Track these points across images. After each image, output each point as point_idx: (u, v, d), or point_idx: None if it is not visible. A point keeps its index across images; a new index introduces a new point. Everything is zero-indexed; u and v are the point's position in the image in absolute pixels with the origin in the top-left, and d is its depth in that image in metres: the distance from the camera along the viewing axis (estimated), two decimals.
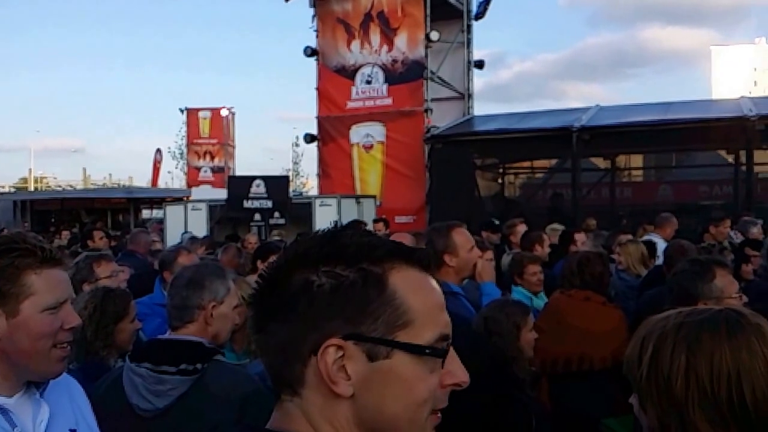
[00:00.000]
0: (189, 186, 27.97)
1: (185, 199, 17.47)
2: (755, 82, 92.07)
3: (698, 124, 11.72)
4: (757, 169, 12.63)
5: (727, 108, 13.28)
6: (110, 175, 52.03)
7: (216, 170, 29.27)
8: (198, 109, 30.42)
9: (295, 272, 0.90)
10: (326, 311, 0.88)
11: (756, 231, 7.09)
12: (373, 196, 13.81)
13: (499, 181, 16.58)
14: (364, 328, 0.87)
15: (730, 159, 13.66)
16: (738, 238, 7.07)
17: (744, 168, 11.99)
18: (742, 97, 14.93)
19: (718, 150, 14.01)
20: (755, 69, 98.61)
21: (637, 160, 16.64)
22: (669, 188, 15.44)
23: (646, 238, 6.76)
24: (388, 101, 14.50)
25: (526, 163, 16.63)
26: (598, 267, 4.03)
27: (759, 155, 12.24)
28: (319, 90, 15.23)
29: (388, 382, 0.88)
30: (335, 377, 0.87)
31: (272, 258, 5.45)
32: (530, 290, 4.80)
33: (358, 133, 14.72)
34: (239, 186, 12.34)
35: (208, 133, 30.08)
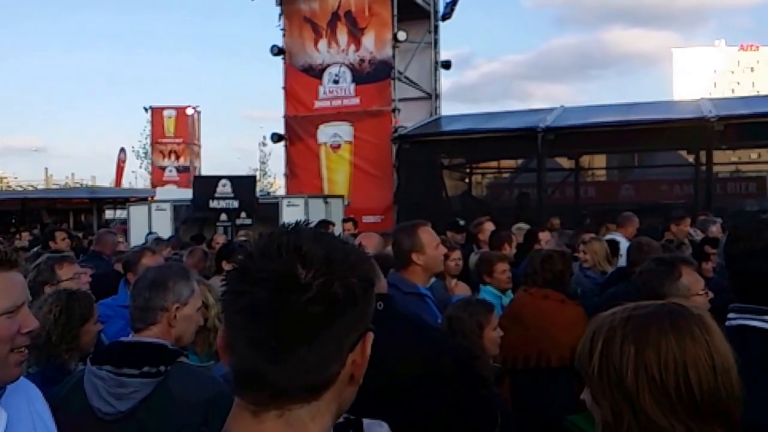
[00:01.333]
0: (154, 186, 27.59)
1: (150, 199, 17.21)
2: (715, 83, 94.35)
3: (659, 125, 11.96)
4: (716, 169, 12.95)
5: (687, 109, 13.58)
6: (73, 174, 51.07)
7: (181, 170, 28.94)
8: (163, 108, 30.04)
9: (337, 279, 0.95)
10: (361, 312, 0.98)
11: (715, 229, 7.25)
12: (341, 196, 13.80)
13: (467, 180, 16.71)
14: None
15: (691, 159, 13.96)
16: (698, 235, 7.23)
17: (704, 168, 12.26)
18: (702, 98, 15.29)
19: (679, 150, 14.31)
20: (715, 71, 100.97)
21: (600, 160, 16.93)
22: (631, 188, 15.73)
23: (609, 237, 6.87)
24: (356, 101, 14.50)
25: (493, 163, 16.80)
26: (559, 265, 4.10)
27: (718, 155, 12.55)
28: (286, 89, 15.16)
29: None
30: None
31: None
32: (500, 288, 4.84)
33: (326, 133, 14.69)
34: (205, 186, 12.22)
35: (174, 132, 29.71)
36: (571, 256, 6.43)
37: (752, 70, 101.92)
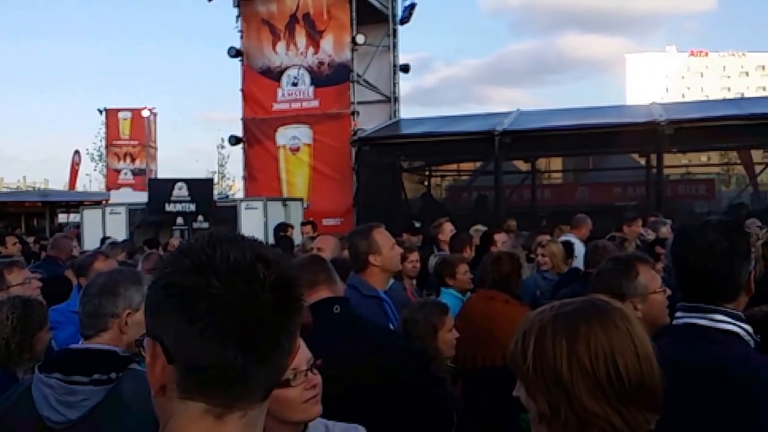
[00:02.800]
0: (108, 189, 27.06)
1: (104, 202, 16.87)
2: (667, 88, 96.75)
3: (613, 129, 12.21)
4: (666, 171, 13.29)
5: (639, 113, 13.90)
6: (24, 177, 49.77)
7: (137, 172, 28.46)
8: (118, 110, 29.53)
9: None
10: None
11: (665, 230, 7.44)
12: (300, 199, 13.75)
13: (426, 183, 16.80)
14: None
15: (643, 162, 14.29)
16: (651, 235, 7.41)
17: (655, 171, 12.57)
18: (653, 102, 15.66)
19: (631, 153, 14.64)
20: (666, 76, 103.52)
21: (556, 163, 17.20)
22: (586, 190, 16.00)
23: (563, 238, 7.00)
24: (315, 103, 14.47)
25: (452, 166, 16.93)
26: (506, 267, 4.17)
27: (669, 158, 12.88)
28: (244, 91, 15.05)
29: None
30: None
31: None
32: (462, 289, 4.87)
33: (285, 136, 14.61)
34: (161, 189, 12.07)
35: (129, 134, 29.21)
36: (527, 257, 6.57)
37: (702, 75, 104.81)
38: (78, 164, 30.72)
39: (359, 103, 14.46)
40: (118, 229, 12.54)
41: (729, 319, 1.87)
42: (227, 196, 24.16)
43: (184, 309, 0.91)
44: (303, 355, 1.88)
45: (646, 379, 1.21)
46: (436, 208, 13.67)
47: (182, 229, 11.44)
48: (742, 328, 1.87)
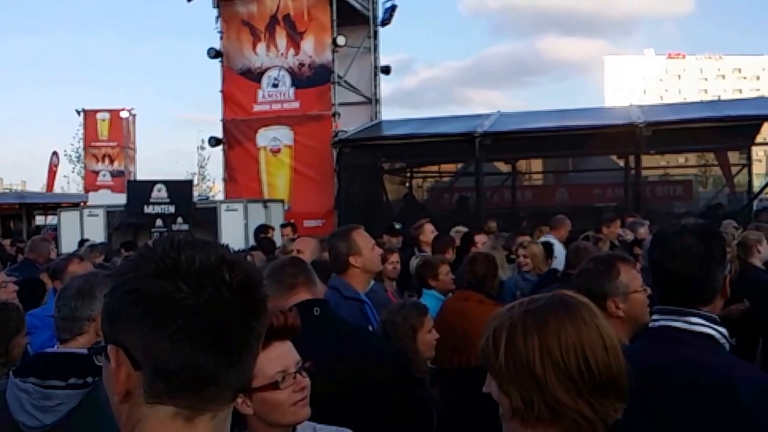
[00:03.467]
0: (87, 191, 26.77)
1: (82, 204, 16.68)
2: (645, 90, 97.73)
3: (591, 131, 12.32)
4: (645, 172, 13.43)
5: (617, 115, 14.04)
6: (1, 179, 49.08)
7: (116, 174, 28.15)
8: (96, 111, 29.18)
9: None
10: None
11: (643, 231, 7.52)
12: (281, 201, 13.69)
13: (407, 184, 16.82)
14: None
15: (621, 163, 14.43)
16: (629, 236, 7.49)
17: (633, 172, 12.69)
18: (632, 104, 15.82)
19: (610, 155, 14.77)
20: (644, 78, 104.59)
21: (537, 164, 17.30)
22: (566, 191, 16.10)
23: (543, 239, 7.05)
24: (296, 105, 14.41)
25: (434, 167, 16.97)
26: (481, 268, 4.20)
27: (647, 160, 13.00)
28: (224, 92, 14.95)
29: None
30: None
31: None
32: (445, 290, 4.88)
33: (265, 137, 14.54)
34: (139, 191, 11.97)
35: (107, 136, 28.89)
36: (507, 258, 6.60)
37: (679, 77, 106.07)
38: (56, 166, 30.37)
39: (340, 104, 14.43)
40: (96, 231, 12.39)
41: (705, 322, 1.89)
42: (207, 198, 24.02)
43: (152, 314, 0.90)
44: (292, 357, 1.89)
45: (613, 370, 1.26)
46: (418, 210, 13.70)
47: (161, 231, 11.34)
48: (717, 331, 1.89)
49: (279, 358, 1.86)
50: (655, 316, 1.99)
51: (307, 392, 1.88)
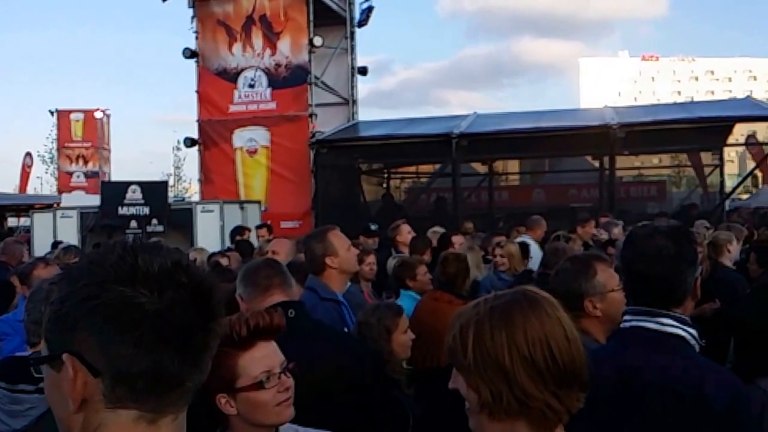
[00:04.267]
0: (60, 192, 26.38)
1: (55, 205, 16.42)
2: (619, 92, 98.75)
3: (567, 132, 12.46)
4: (619, 173, 13.60)
5: (592, 117, 14.20)
6: None
7: (90, 175, 27.83)
8: (70, 111, 28.85)
9: None
10: None
11: (617, 231, 7.61)
12: (258, 202, 13.61)
13: (384, 185, 16.83)
14: None
15: (596, 164, 14.58)
16: (604, 235, 7.57)
17: (607, 172, 12.83)
18: (606, 106, 16.01)
19: (585, 156, 14.92)
20: (619, 80, 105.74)
21: (513, 165, 17.42)
22: (542, 192, 16.24)
23: (519, 239, 7.09)
24: (272, 105, 14.34)
25: (411, 168, 17.01)
26: (451, 268, 4.23)
27: (621, 161, 13.17)
28: (200, 93, 14.82)
29: None
30: None
31: None
32: (423, 291, 4.88)
33: (242, 138, 14.45)
34: (113, 192, 11.83)
35: (81, 136, 28.56)
36: (483, 258, 6.63)
37: (653, 79, 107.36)
38: (29, 167, 29.91)
39: (317, 105, 14.39)
40: (69, 233, 12.20)
41: (676, 323, 1.91)
42: (183, 199, 23.82)
43: (114, 320, 0.90)
44: (277, 358, 1.90)
45: (576, 361, 1.31)
46: (395, 210, 13.72)
47: (136, 233, 11.22)
48: (688, 332, 1.91)
49: (264, 358, 1.87)
50: (626, 317, 2.00)
51: (291, 393, 1.89)
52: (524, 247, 6.44)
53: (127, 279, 0.90)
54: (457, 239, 6.83)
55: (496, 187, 16.43)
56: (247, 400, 1.85)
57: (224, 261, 6.54)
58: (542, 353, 1.28)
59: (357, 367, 2.66)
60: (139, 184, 11.97)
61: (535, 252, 6.49)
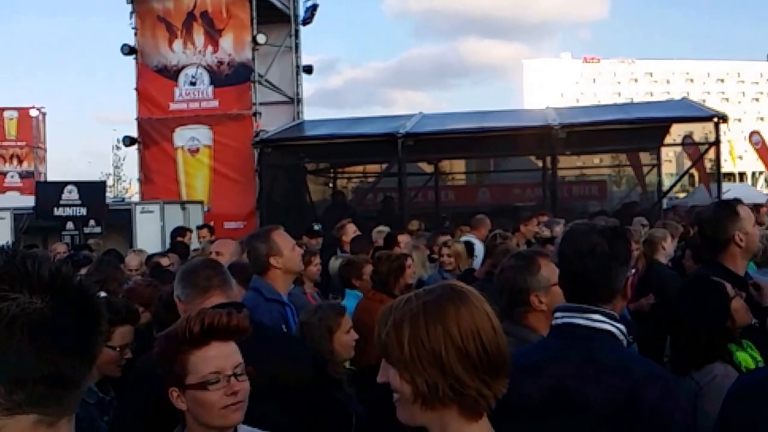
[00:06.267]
0: None
1: None
2: (562, 93, 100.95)
3: (510, 132, 12.64)
4: (562, 173, 13.88)
5: (534, 117, 14.45)
6: None
7: (24, 175, 26.94)
8: (3, 109, 27.90)
9: None
10: None
11: (559, 229, 7.71)
12: (200, 202, 13.38)
13: (331, 185, 16.75)
14: None
15: (540, 164, 14.83)
16: (546, 232, 7.69)
17: (550, 172, 13.07)
18: (548, 107, 16.33)
19: (529, 156, 15.16)
20: (561, 81, 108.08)
21: (460, 165, 17.58)
22: (487, 191, 16.43)
23: (464, 238, 7.15)
24: (215, 104, 14.10)
25: (359, 168, 16.97)
26: (383, 268, 4.25)
27: (564, 160, 13.44)
28: (139, 90, 14.44)
29: None
30: None
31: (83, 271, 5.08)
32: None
33: (183, 136, 14.15)
34: (49, 192, 11.47)
35: (15, 135, 27.64)
36: (429, 257, 6.66)
37: (594, 81, 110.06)
38: None
39: (261, 104, 14.22)
40: (2, 234, 11.74)
41: (605, 319, 1.93)
42: (123, 200, 23.22)
43: (10, 329, 0.90)
44: (230, 359, 1.90)
45: (501, 350, 1.39)
46: (342, 210, 13.66)
47: (72, 234, 10.89)
48: (617, 328, 1.94)
49: (215, 358, 1.87)
50: (558, 314, 2.03)
51: (241, 397, 1.88)
52: (469, 246, 6.49)
53: (20, 286, 0.91)
54: (404, 238, 6.83)
55: (442, 187, 16.52)
56: (194, 399, 1.86)
57: (165, 261, 6.39)
58: (474, 344, 1.34)
59: (296, 368, 2.62)
60: (76, 184, 11.62)
61: (480, 251, 6.54)
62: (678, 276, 5.25)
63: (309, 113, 16.14)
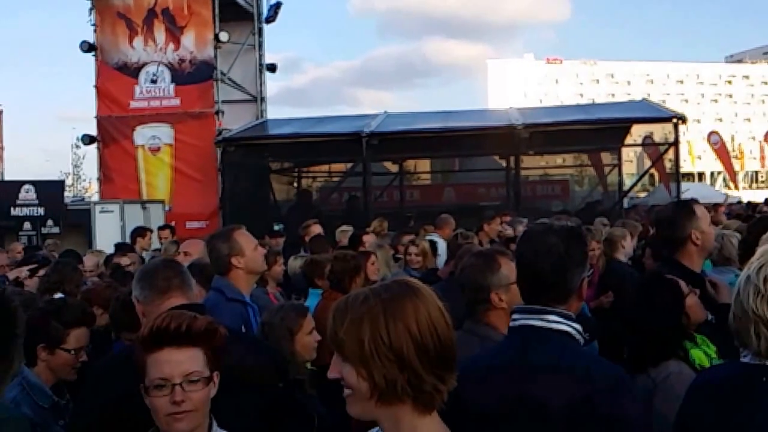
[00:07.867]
0: None
1: None
2: (525, 94, 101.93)
3: (474, 132, 12.73)
4: (525, 173, 14.04)
5: (497, 117, 14.59)
6: None
7: None
8: None
9: None
10: None
11: (521, 228, 7.80)
12: (161, 201, 13.18)
13: (295, 184, 16.65)
14: None
15: (504, 164, 14.97)
16: (509, 231, 7.76)
17: (513, 172, 13.20)
18: (511, 107, 16.48)
19: (493, 155, 15.29)
20: (525, 82, 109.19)
21: (425, 164, 17.64)
22: (452, 190, 16.52)
23: (428, 238, 7.16)
24: (176, 102, 13.91)
25: (324, 167, 16.90)
26: (338, 267, 4.27)
27: (528, 160, 13.59)
28: (99, 88, 14.18)
29: None
30: None
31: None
32: None
33: (143, 135, 13.93)
34: (5, 192, 11.23)
35: None
36: (393, 257, 6.67)
37: (557, 81, 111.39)
38: None
39: (224, 102, 14.08)
40: None
41: (561, 320, 1.95)
42: (83, 199, 22.77)
43: None
44: (180, 367, 1.85)
45: (453, 344, 1.42)
46: (307, 210, 13.59)
47: (30, 234, 10.68)
48: (573, 328, 1.96)
49: (163, 364, 1.84)
50: (515, 316, 2.04)
51: (187, 407, 1.84)
52: (433, 246, 6.51)
53: None
54: (368, 238, 6.83)
55: (407, 186, 16.56)
56: (148, 401, 1.87)
57: (125, 261, 6.29)
58: (432, 339, 1.37)
59: (256, 369, 2.60)
60: (33, 183, 11.40)
61: (443, 250, 6.57)
62: (637, 274, 5.34)
63: (273, 112, 16.08)
